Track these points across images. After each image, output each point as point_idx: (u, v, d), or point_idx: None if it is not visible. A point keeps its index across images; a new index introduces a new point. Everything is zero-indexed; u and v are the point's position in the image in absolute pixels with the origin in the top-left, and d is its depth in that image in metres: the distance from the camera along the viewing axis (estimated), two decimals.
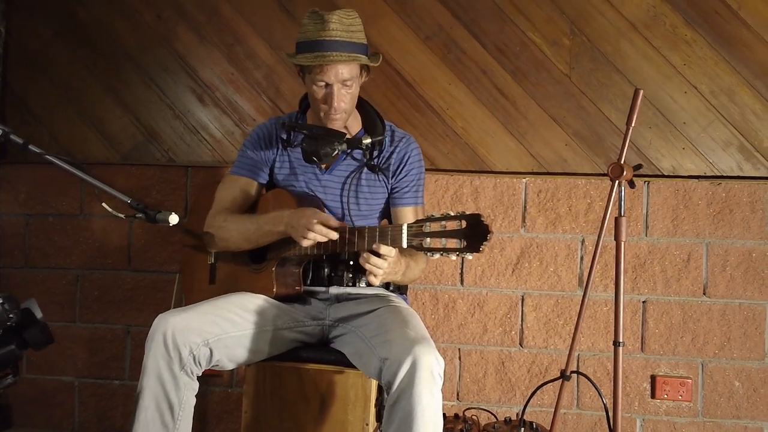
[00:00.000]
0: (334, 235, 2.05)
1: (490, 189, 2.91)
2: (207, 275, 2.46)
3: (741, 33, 2.79)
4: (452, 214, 1.82)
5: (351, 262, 2.29)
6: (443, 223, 1.82)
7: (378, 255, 1.98)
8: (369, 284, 2.31)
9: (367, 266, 2.00)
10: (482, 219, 1.77)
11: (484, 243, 1.76)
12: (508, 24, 2.91)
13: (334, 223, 2.07)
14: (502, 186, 2.91)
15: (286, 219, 2.13)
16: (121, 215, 2.11)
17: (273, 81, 3.02)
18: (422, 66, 2.94)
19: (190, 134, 3.08)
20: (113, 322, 3.10)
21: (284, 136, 2.36)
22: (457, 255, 1.80)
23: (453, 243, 1.80)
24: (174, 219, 2.04)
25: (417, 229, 1.87)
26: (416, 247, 1.88)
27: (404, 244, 1.90)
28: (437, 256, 1.84)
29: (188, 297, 2.54)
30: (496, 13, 2.91)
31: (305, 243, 2.07)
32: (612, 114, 2.86)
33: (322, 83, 2.18)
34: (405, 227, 1.90)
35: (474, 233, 1.77)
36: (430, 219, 1.85)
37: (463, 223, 1.79)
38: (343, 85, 2.18)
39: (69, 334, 3.12)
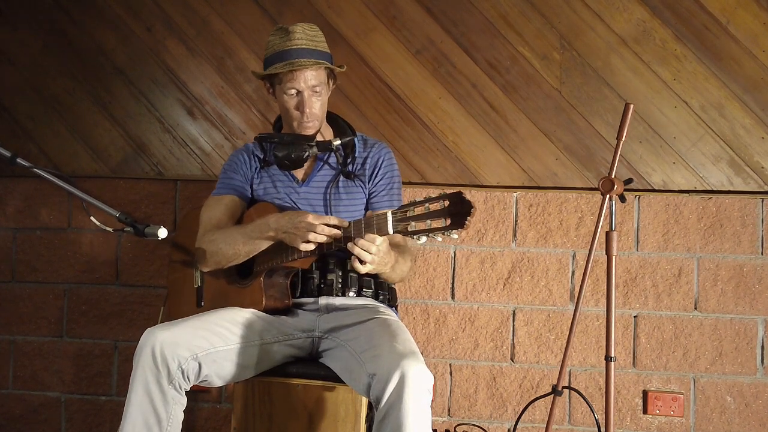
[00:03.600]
0: (338, 233, 2.04)
1: (481, 203, 2.91)
2: (194, 298, 2.44)
3: (730, 47, 2.81)
4: (433, 195, 1.83)
5: (340, 272, 2.29)
6: (427, 205, 1.83)
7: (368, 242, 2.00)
8: (358, 295, 2.30)
9: (356, 250, 1.99)
10: (464, 196, 1.78)
11: (468, 218, 1.76)
12: (499, 38, 2.91)
13: (334, 220, 2.07)
14: (492, 200, 2.91)
15: (274, 224, 2.13)
16: (110, 229, 2.10)
17: (263, 94, 3.01)
18: (412, 80, 2.94)
19: (179, 147, 3.07)
20: (101, 337, 3.07)
21: (260, 155, 2.42)
22: (443, 234, 1.80)
23: (438, 223, 1.81)
24: (163, 233, 2.03)
25: (402, 215, 1.88)
26: (402, 232, 1.88)
27: (390, 230, 1.91)
28: (424, 239, 1.84)
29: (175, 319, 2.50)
30: (487, 27, 2.92)
31: (306, 246, 2.06)
32: (602, 128, 2.87)
33: (293, 91, 2.26)
34: (390, 213, 1.91)
35: (457, 210, 1.78)
36: (414, 203, 1.86)
37: (446, 203, 1.80)
38: (312, 91, 2.26)
39: (56, 349, 3.09)
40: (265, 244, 2.19)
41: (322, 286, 2.29)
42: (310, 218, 2.05)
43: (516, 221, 2.90)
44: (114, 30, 3.10)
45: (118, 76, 3.10)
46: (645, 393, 2.83)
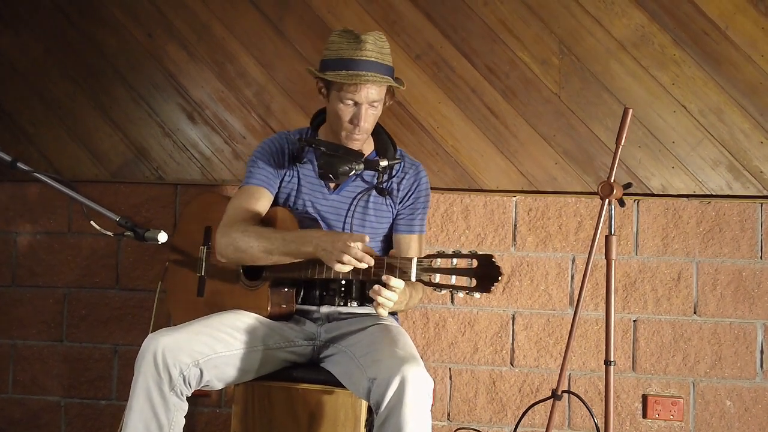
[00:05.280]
0: (371, 261, 1.97)
1: (481, 207, 2.91)
2: (194, 288, 2.44)
3: (729, 52, 2.82)
4: (464, 251, 1.81)
5: (343, 282, 2.27)
6: (454, 260, 1.81)
7: (386, 286, 1.96)
8: (360, 305, 2.30)
9: (379, 299, 1.98)
10: (494, 260, 1.76)
11: (495, 284, 1.75)
12: (498, 43, 2.92)
13: (368, 248, 2.00)
14: (492, 204, 2.91)
15: (316, 240, 2.04)
16: (110, 233, 2.10)
17: (263, 99, 3.02)
18: (412, 84, 2.94)
19: (179, 152, 3.07)
20: (100, 341, 3.07)
21: (295, 151, 2.34)
22: (466, 293, 1.78)
23: (462, 281, 1.78)
24: (163, 237, 2.03)
25: (427, 264, 1.86)
26: (425, 282, 1.86)
27: (413, 278, 1.89)
28: (445, 291, 1.83)
29: (175, 313, 2.52)
30: (486, 32, 2.93)
31: (341, 268, 1.97)
32: (601, 133, 2.87)
33: (351, 102, 2.18)
34: (415, 261, 1.89)
35: (485, 273, 1.76)
36: (441, 255, 1.84)
37: (474, 263, 1.78)
38: (370, 105, 2.19)
39: (56, 353, 3.09)
40: (301, 257, 2.11)
41: (324, 294, 2.29)
42: (346, 239, 1.98)
43: (515, 225, 2.91)
44: (115, 35, 3.11)
45: (119, 81, 3.10)
46: (644, 397, 2.83)
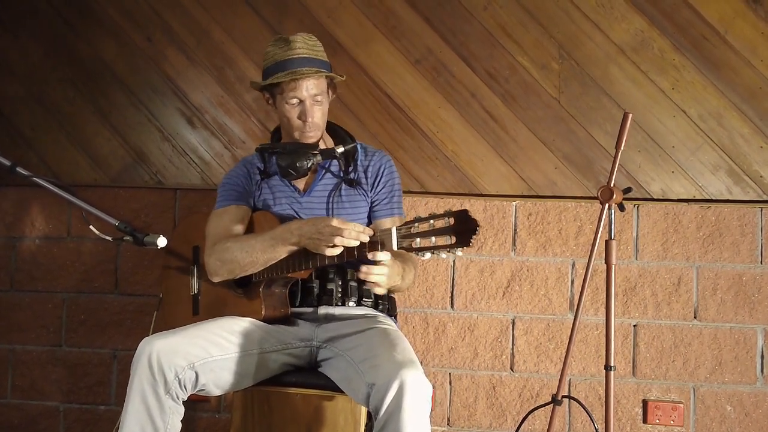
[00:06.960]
0: (366, 238, 1.99)
1: (480, 212, 2.91)
2: (190, 307, 2.44)
3: (728, 57, 2.82)
4: (439, 213, 1.82)
5: (340, 282, 2.28)
6: (431, 222, 1.83)
7: (374, 263, 2.01)
8: (358, 304, 2.30)
9: (372, 278, 2.01)
10: (469, 214, 1.78)
11: (473, 237, 1.76)
12: (498, 48, 2.92)
13: (359, 227, 2.02)
14: (492, 209, 2.91)
15: (297, 231, 2.09)
16: (109, 238, 2.09)
17: (263, 104, 3.01)
18: (412, 89, 2.95)
19: (179, 157, 3.07)
20: (99, 347, 3.06)
21: (261, 166, 2.40)
22: (448, 251, 1.80)
23: (443, 240, 1.80)
24: (162, 242, 2.02)
25: (406, 231, 1.88)
26: (407, 248, 1.88)
27: (395, 247, 1.90)
28: (428, 255, 1.84)
29: (170, 328, 2.50)
30: (486, 36, 2.93)
31: (333, 251, 2.01)
32: (601, 137, 2.87)
33: (295, 100, 2.26)
34: (394, 230, 1.91)
35: (462, 228, 1.77)
36: (418, 219, 1.86)
37: (451, 221, 1.80)
38: (314, 100, 2.27)
39: (55, 358, 3.08)
40: (285, 252, 2.14)
41: (322, 295, 2.29)
42: (335, 222, 2.01)
43: (515, 230, 2.90)
44: (114, 39, 3.11)
45: (119, 85, 3.10)
46: (645, 402, 2.82)
